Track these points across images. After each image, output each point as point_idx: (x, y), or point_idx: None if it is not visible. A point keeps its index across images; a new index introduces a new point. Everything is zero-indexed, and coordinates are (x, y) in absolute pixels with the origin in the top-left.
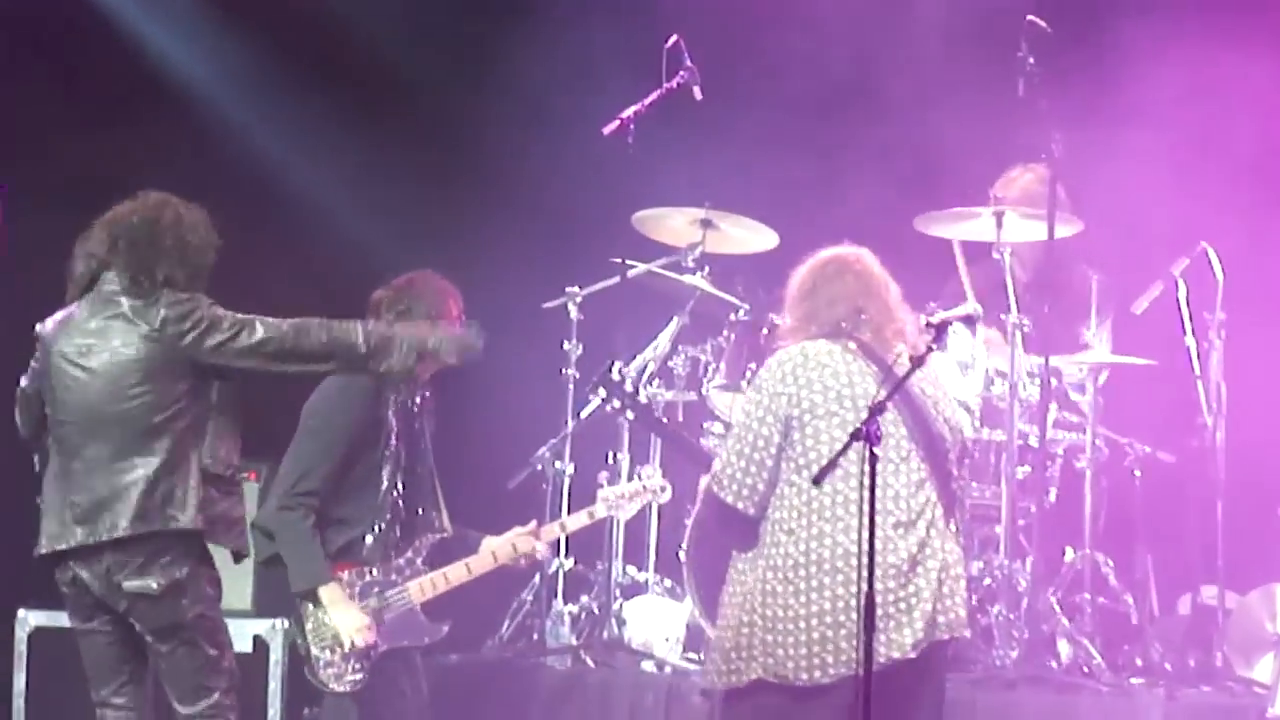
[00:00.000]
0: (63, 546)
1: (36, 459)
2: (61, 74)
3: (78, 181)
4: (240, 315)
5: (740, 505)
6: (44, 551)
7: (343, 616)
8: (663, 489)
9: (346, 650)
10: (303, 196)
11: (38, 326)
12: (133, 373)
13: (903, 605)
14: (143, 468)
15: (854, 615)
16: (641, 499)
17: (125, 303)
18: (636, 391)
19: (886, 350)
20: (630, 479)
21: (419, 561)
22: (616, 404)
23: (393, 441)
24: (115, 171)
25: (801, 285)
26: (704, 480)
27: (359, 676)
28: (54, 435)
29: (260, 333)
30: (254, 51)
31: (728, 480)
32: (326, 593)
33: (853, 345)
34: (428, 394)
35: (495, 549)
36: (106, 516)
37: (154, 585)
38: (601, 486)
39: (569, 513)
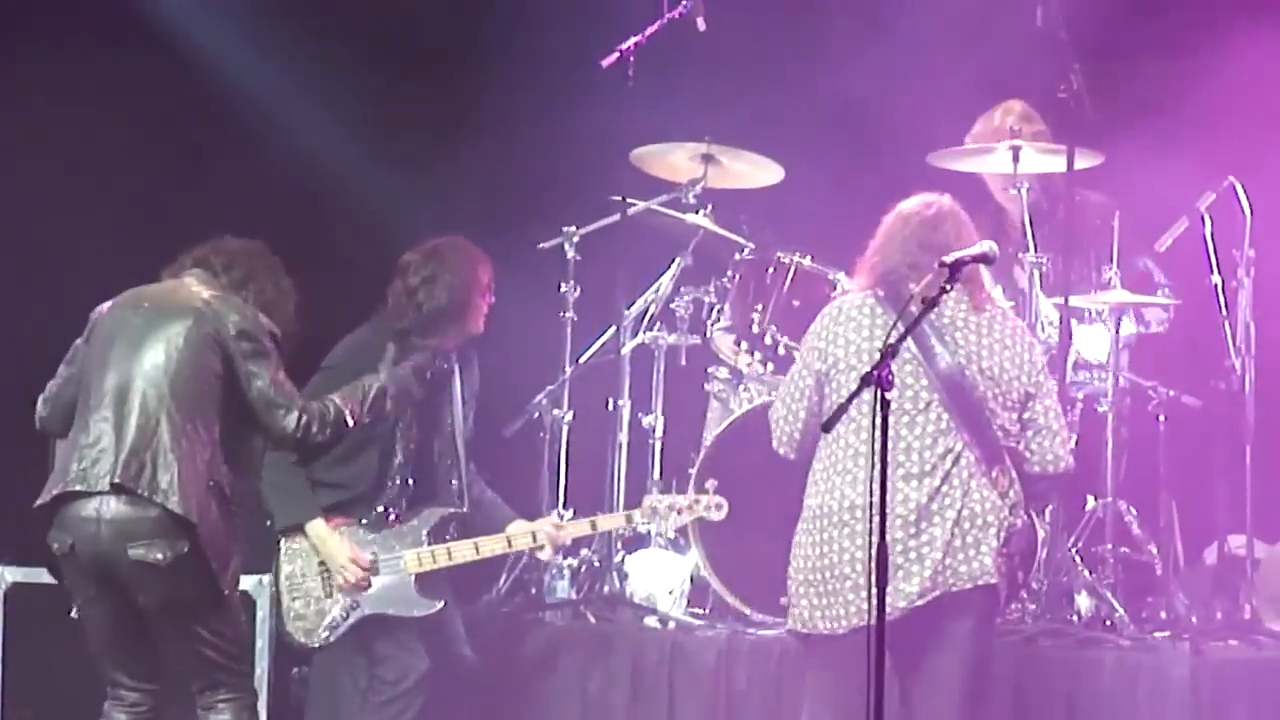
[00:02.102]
0: (61, 490)
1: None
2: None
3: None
4: (288, 383)
5: (783, 450)
6: (46, 500)
7: (330, 550)
8: (719, 506)
9: (329, 587)
10: (295, 139)
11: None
12: (179, 334)
13: (912, 555)
14: (155, 434)
15: (858, 568)
16: (691, 515)
17: (201, 283)
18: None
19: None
20: (698, 481)
21: (423, 533)
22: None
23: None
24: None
25: (876, 237)
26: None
27: (328, 635)
28: (81, 397)
29: (284, 400)
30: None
31: (775, 426)
32: (313, 528)
33: (883, 294)
34: (456, 365)
35: (512, 534)
36: (107, 465)
37: (159, 556)
38: (650, 493)
39: (567, 461)
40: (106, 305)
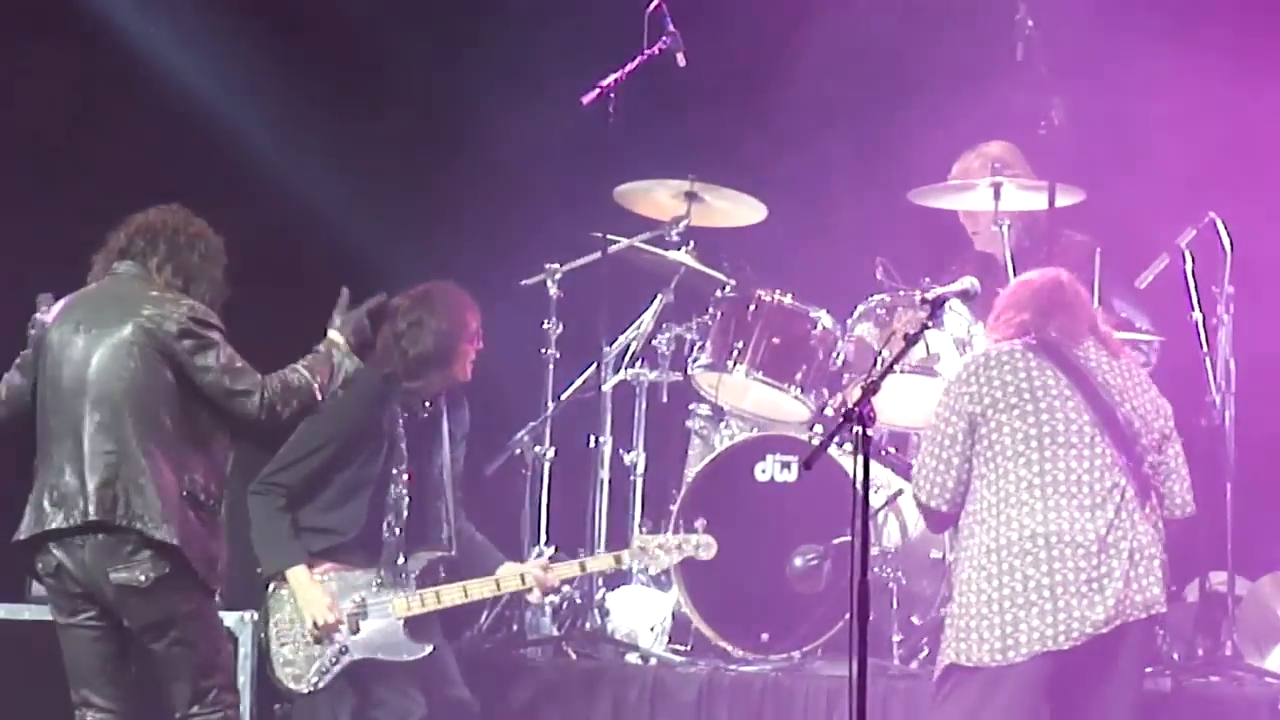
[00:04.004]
0: (38, 531)
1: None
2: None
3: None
4: (240, 361)
5: (933, 503)
6: (22, 537)
7: (307, 598)
8: (707, 546)
9: (309, 634)
10: (277, 175)
11: (38, 313)
12: (125, 352)
13: (1094, 584)
14: (124, 457)
15: (1044, 594)
16: (680, 554)
17: (135, 286)
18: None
19: (1076, 344)
20: (677, 520)
21: (413, 576)
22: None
23: (391, 451)
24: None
25: (996, 306)
26: (907, 488)
27: (317, 680)
28: (40, 423)
29: (244, 385)
30: (225, 26)
31: (922, 480)
32: (294, 575)
33: (1034, 342)
34: (445, 407)
35: (502, 576)
36: (81, 501)
37: (141, 578)
38: (639, 533)
39: (548, 497)
40: (49, 317)
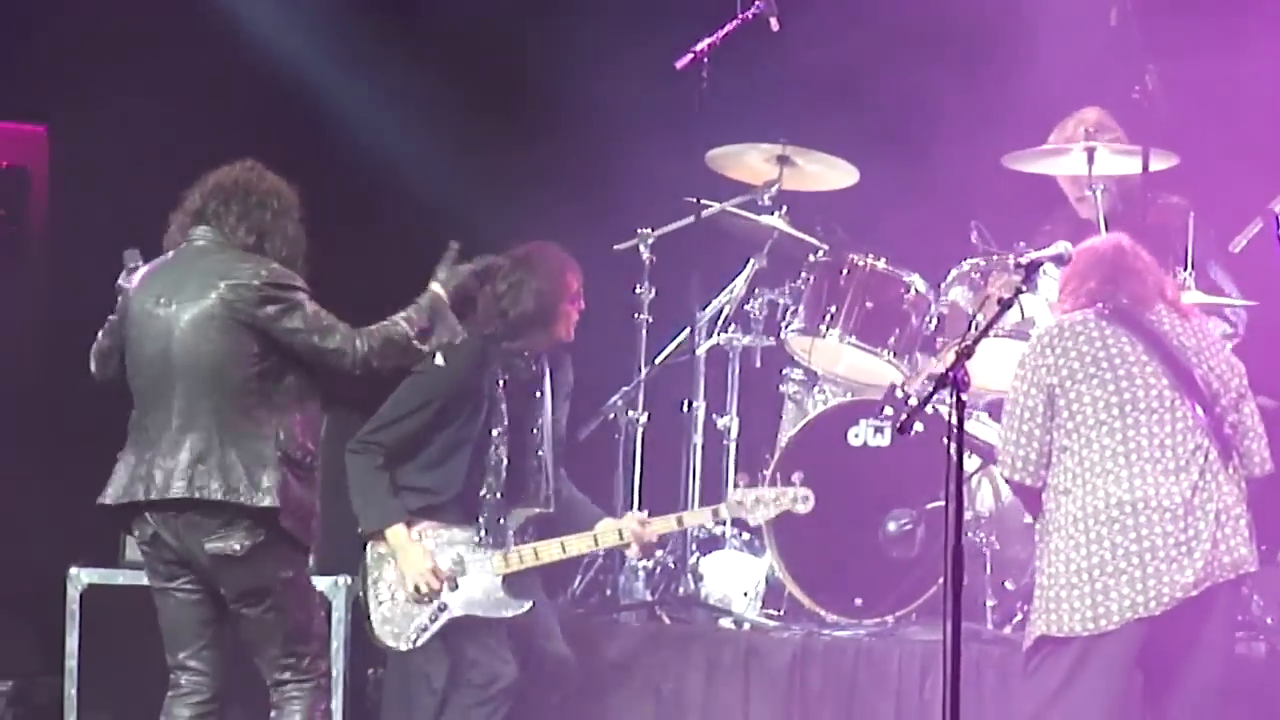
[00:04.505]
0: (125, 500)
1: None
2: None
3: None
4: (327, 317)
5: (1017, 477)
6: (109, 502)
7: (408, 559)
8: (805, 499)
9: (409, 593)
10: (373, 136)
11: (120, 279)
12: (207, 325)
13: (1182, 548)
14: (213, 431)
15: (1134, 560)
16: (778, 508)
17: (212, 255)
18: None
19: (1147, 309)
20: (771, 483)
21: (510, 533)
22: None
23: (491, 412)
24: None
25: (1062, 277)
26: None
27: (416, 638)
28: (132, 389)
29: (335, 342)
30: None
31: (1005, 456)
32: (394, 534)
33: (1106, 310)
34: (547, 367)
35: (600, 532)
36: (170, 478)
37: (236, 547)
38: (737, 486)
39: (642, 462)
40: (131, 283)
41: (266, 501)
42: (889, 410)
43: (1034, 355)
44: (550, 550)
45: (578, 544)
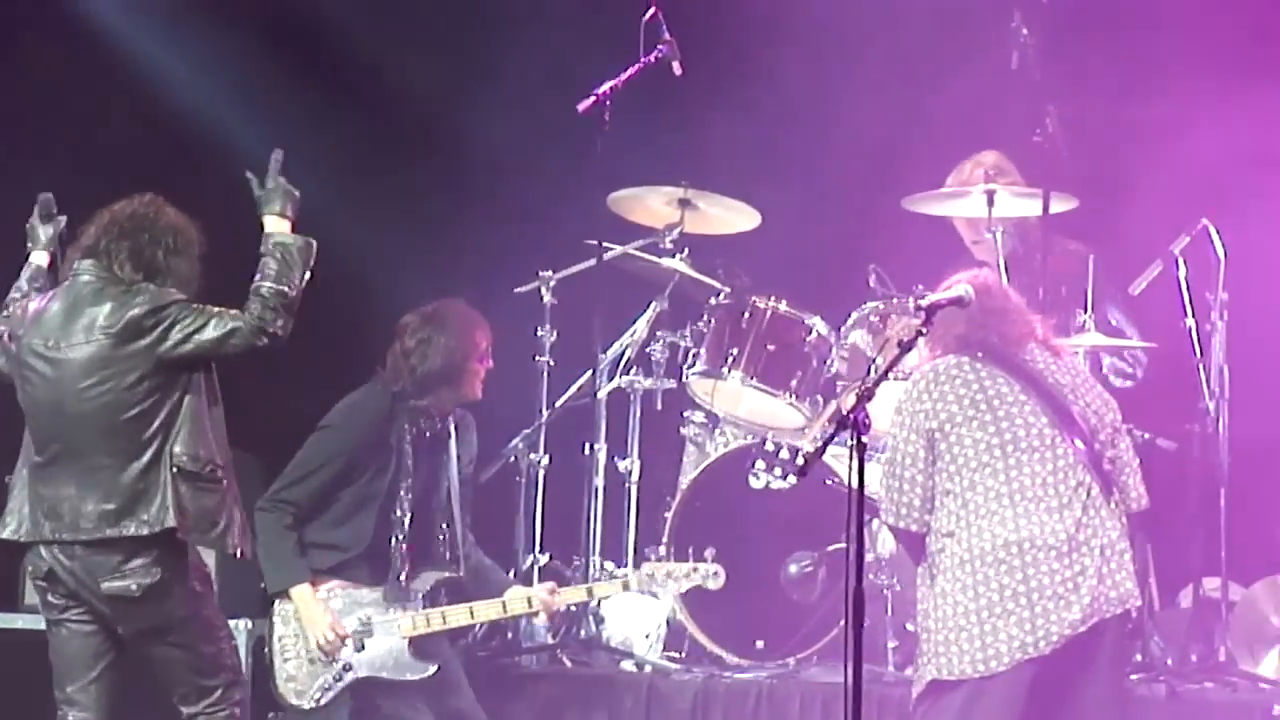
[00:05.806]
0: (26, 540)
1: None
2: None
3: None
4: (204, 311)
5: (902, 524)
6: (7, 536)
7: (311, 618)
8: (715, 574)
9: (310, 649)
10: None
11: (32, 218)
12: (92, 370)
13: (1069, 585)
14: (108, 468)
15: (1021, 601)
16: (689, 583)
17: (94, 295)
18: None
19: (1020, 349)
20: (672, 535)
21: (418, 596)
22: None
23: (398, 468)
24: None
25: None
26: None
27: (320, 697)
28: (27, 425)
29: (224, 326)
30: (224, 40)
31: (888, 503)
32: (298, 594)
33: (979, 352)
34: (453, 427)
35: (508, 599)
36: (71, 516)
37: (133, 587)
38: (648, 560)
39: (543, 505)
40: (25, 316)
41: (161, 525)
42: (760, 464)
43: (911, 401)
44: (458, 615)
45: (486, 610)
